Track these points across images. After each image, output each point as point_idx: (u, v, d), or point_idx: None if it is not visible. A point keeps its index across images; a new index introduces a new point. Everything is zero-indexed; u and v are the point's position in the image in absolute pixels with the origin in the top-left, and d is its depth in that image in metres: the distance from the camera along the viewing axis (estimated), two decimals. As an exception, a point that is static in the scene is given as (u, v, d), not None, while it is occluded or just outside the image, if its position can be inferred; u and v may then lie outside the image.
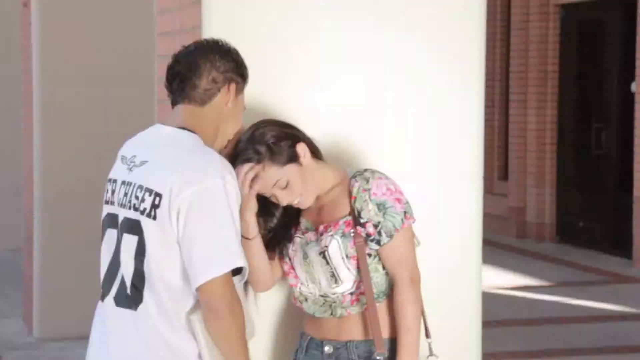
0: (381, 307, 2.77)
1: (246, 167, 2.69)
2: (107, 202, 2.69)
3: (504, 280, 8.97)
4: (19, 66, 7.27)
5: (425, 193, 3.02)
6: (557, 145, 10.85)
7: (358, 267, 2.73)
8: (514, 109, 11.15)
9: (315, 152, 2.79)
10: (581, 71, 10.75)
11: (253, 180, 2.69)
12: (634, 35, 9.51)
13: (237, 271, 2.58)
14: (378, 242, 2.72)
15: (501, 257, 10.05)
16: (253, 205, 2.72)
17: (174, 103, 2.70)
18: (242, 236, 2.65)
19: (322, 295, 2.79)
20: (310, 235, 2.79)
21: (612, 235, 10.13)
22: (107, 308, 2.66)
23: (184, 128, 2.63)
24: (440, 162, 3.16)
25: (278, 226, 2.82)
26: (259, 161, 2.69)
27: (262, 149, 2.69)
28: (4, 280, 8.61)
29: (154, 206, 2.52)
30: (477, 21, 3.17)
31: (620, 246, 9.96)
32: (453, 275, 3.16)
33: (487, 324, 7.18)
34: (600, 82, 10.33)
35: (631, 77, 9.71)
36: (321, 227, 2.77)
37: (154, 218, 2.53)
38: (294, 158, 2.72)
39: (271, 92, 2.99)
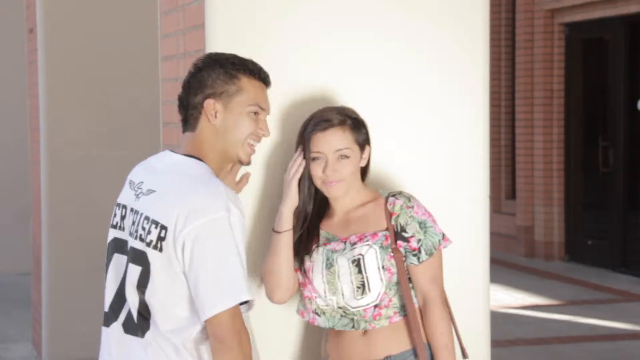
0: (403, 322, 2.82)
1: (297, 157, 2.83)
2: (114, 227, 2.70)
3: (513, 299, 8.94)
4: (26, 92, 7.31)
5: (432, 213, 3.01)
6: (564, 163, 10.84)
7: (389, 280, 2.79)
8: (520, 128, 11.15)
9: (365, 169, 2.92)
10: (587, 89, 10.77)
11: (297, 171, 2.82)
12: (639, 53, 9.52)
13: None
14: (418, 259, 2.81)
15: (510, 276, 10.03)
16: (293, 197, 2.83)
17: (183, 130, 2.75)
18: (273, 229, 2.80)
19: (340, 307, 2.81)
20: (335, 245, 2.82)
21: (620, 253, 10.11)
22: (114, 334, 2.66)
23: (191, 156, 2.65)
24: (447, 182, 3.16)
25: (298, 235, 2.86)
26: (341, 122, 2.80)
27: (349, 119, 2.82)
28: (14, 304, 8.62)
29: (160, 238, 2.53)
30: (481, 41, 3.18)
31: (629, 264, 9.93)
32: (461, 295, 3.14)
33: (496, 343, 7.22)
34: (606, 100, 10.34)
35: (637, 95, 9.72)
36: (353, 237, 2.81)
37: (160, 250, 2.54)
38: (362, 147, 2.85)
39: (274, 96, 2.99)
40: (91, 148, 6.64)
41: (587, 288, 9.45)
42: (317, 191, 2.88)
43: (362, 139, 2.85)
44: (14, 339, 7.45)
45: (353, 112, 2.87)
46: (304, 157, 2.84)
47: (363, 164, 2.88)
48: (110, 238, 2.71)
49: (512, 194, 11.69)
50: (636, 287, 9.42)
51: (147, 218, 2.57)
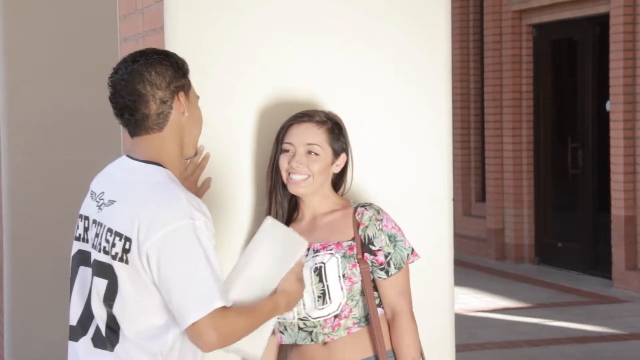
0: (363, 331, 2.80)
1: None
2: (78, 239, 2.62)
3: (483, 302, 8.92)
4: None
5: (395, 216, 2.97)
6: (534, 165, 10.84)
7: (350, 289, 2.77)
8: (489, 130, 11.15)
9: (339, 178, 2.89)
10: (556, 91, 10.77)
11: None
12: (607, 54, 9.53)
13: None
14: (387, 272, 2.79)
15: (480, 279, 10.01)
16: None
17: (131, 134, 2.61)
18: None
19: (300, 319, 2.78)
20: None
21: (591, 256, 10.11)
22: (83, 348, 2.58)
23: (149, 162, 2.55)
24: (410, 185, 3.15)
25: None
26: (320, 122, 2.80)
27: (330, 121, 2.82)
28: (-24, 313, 8.48)
29: (125, 250, 2.46)
30: (443, 43, 3.16)
31: (600, 266, 9.93)
32: (425, 299, 3.12)
33: (465, 346, 7.20)
34: (575, 101, 10.35)
35: (605, 96, 9.72)
36: (317, 245, 2.79)
37: (127, 262, 2.46)
38: (336, 154, 2.83)
39: (237, 101, 2.96)
40: (53, 152, 6.52)
41: (558, 290, 9.45)
42: (290, 198, 2.86)
43: (338, 146, 2.83)
44: (-23, 348, 7.32)
45: (337, 118, 2.87)
46: (276, 150, 2.83)
47: (335, 170, 2.85)
48: (74, 250, 2.63)
49: (482, 197, 11.68)
50: (606, 289, 9.42)
51: (109, 230, 2.49)
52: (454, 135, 11.92)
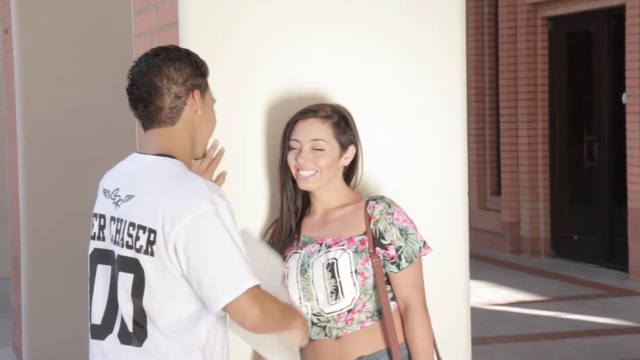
0: (376, 325, 2.81)
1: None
2: (95, 237, 2.63)
3: (498, 296, 8.91)
4: (2, 92, 7.22)
5: (410, 211, 2.97)
6: (549, 158, 10.81)
7: (362, 285, 2.77)
8: (504, 123, 11.12)
9: (350, 170, 2.88)
10: (571, 84, 10.73)
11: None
12: (623, 46, 9.49)
13: None
14: (398, 266, 2.79)
15: (496, 273, 10.00)
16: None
17: (144, 127, 2.64)
18: None
19: (314, 314, 2.79)
20: (311, 248, 2.80)
21: (607, 248, 10.08)
22: (109, 347, 2.59)
23: (162, 154, 2.58)
24: (425, 179, 3.15)
25: (279, 240, 2.84)
26: (325, 116, 2.78)
27: (336, 115, 2.80)
28: (-6, 309, 8.55)
29: (150, 242, 2.48)
30: (457, 36, 3.15)
31: (616, 259, 9.90)
32: (441, 293, 3.12)
33: (481, 339, 7.19)
34: (591, 94, 10.31)
35: (621, 88, 9.68)
36: (329, 240, 2.79)
37: (152, 254, 2.48)
38: (344, 147, 2.81)
39: (249, 95, 2.97)
40: (69, 149, 6.55)
41: (573, 284, 9.42)
42: (302, 193, 2.86)
43: (345, 139, 2.82)
44: (-5, 343, 7.38)
45: (345, 111, 2.86)
46: (283, 146, 2.84)
47: (345, 163, 2.84)
48: (91, 250, 2.64)
49: (497, 190, 11.65)
50: (622, 282, 9.40)
51: (132, 224, 2.51)
52: (469, 129, 11.88)
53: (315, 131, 2.78)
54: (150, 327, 2.51)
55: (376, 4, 3.08)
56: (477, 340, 7.18)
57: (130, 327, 2.53)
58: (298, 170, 2.79)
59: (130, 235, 2.51)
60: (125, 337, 2.55)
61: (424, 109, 3.13)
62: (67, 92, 6.52)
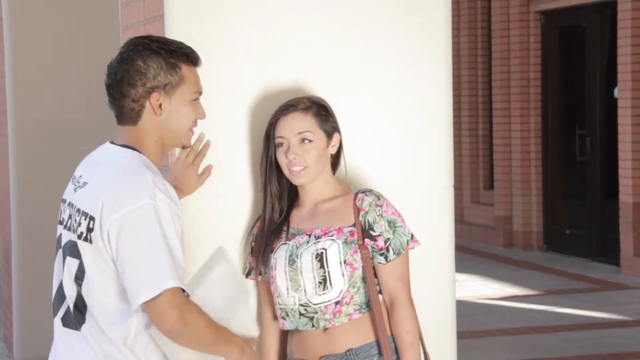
0: (365, 317, 2.81)
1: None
2: (60, 222, 2.67)
3: (490, 290, 8.93)
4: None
5: (395, 203, 2.97)
6: (542, 153, 10.83)
7: (351, 275, 2.77)
8: (497, 117, 11.13)
9: (336, 160, 2.89)
10: (563, 78, 10.75)
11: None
12: (615, 40, 9.50)
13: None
14: (386, 258, 2.79)
15: (488, 267, 10.02)
16: None
17: (117, 121, 2.67)
18: None
19: (302, 305, 2.79)
20: (299, 239, 2.80)
21: (599, 242, 10.10)
22: (56, 327, 2.65)
23: (127, 146, 2.61)
24: (409, 172, 3.14)
25: (264, 234, 2.83)
26: (305, 108, 2.79)
27: (315, 105, 2.81)
28: (-14, 302, 8.53)
29: (89, 230, 2.51)
30: (442, 28, 3.14)
31: (607, 253, 9.92)
32: (426, 287, 3.12)
33: (472, 333, 7.21)
34: (583, 88, 10.32)
35: (613, 83, 9.70)
36: (318, 231, 2.79)
37: (90, 242, 2.52)
38: (329, 135, 2.82)
39: (233, 87, 2.97)
40: (60, 143, 6.55)
41: (566, 278, 9.44)
42: (288, 189, 2.86)
43: (329, 127, 2.83)
44: (-14, 336, 7.38)
45: (322, 100, 2.86)
46: (267, 145, 2.83)
47: (332, 151, 2.85)
48: (57, 234, 2.68)
49: (490, 184, 11.67)
50: (614, 275, 9.42)
51: (78, 210, 2.56)
52: (461, 123, 11.91)
53: (299, 124, 2.78)
54: (87, 314, 2.54)
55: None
56: (468, 334, 7.19)
57: (72, 312, 2.57)
58: (290, 167, 2.79)
59: (75, 221, 2.55)
60: (67, 320, 2.59)
61: (409, 102, 3.12)
62: (58, 85, 6.51)
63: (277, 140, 2.80)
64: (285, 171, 2.81)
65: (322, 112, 2.81)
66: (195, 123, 2.70)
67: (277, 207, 2.85)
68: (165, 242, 2.47)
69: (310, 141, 2.78)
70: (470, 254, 10.75)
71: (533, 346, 6.97)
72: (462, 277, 9.42)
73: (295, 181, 2.81)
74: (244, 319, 2.74)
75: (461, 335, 7.05)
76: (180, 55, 2.63)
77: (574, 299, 8.44)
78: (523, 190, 10.86)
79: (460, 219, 11.89)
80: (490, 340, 7.13)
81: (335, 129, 2.85)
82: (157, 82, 2.60)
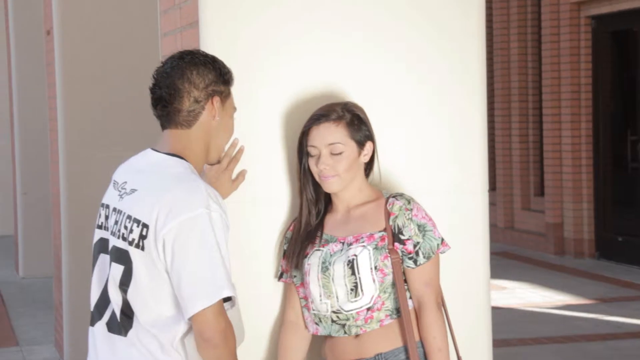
0: (395, 323, 2.82)
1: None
2: (99, 227, 2.70)
3: (540, 297, 8.85)
4: (45, 93, 7.33)
5: (430, 207, 2.97)
6: (593, 159, 10.70)
7: (382, 281, 2.78)
8: (547, 123, 11.03)
9: (369, 165, 2.90)
10: (615, 83, 10.62)
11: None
12: (668, 45, 9.37)
13: (227, 298, 2.59)
14: (415, 262, 2.80)
15: (538, 274, 9.93)
16: None
17: (162, 126, 2.70)
18: None
19: (334, 312, 2.81)
20: (333, 247, 2.82)
21: (652, 250, 9.97)
22: (98, 333, 2.67)
23: (173, 154, 2.63)
24: (445, 177, 3.14)
25: (299, 238, 2.86)
26: (338, 117, 2.79)
27: (348, 114, 2.81)
28: (40, 307, 8.67)
29: (142, 237, 2.54)
30: (476, 33, 3.14)
31: (661, 261, 9.79)
32: (460, 293, 3.11)
33: (520, 341, 7.14)
34: (635, 93, 10.19)
35: (666, 88, 9.57)
36: (350, 238, 2.82)
37: (142, 249, 2.54)
38: (361, 145, 2.82)
39: (266, 94, 2.99)
40: (110, 148, 6.63)
41: (617, 285, 9.33)
42: (323, 194, 2.89)
43: (361, 136, 2.83)
44: (39, 341, 7.50)
45: (356, 108, 2.86)
46: (300, 152, 2.85)
47: (365, 160, 2.86)
48: (96, 239, 2.71)
49: (540, 191, 11.56)
50: (667, 283, 9.29)
51: (129, 217, 2.57)
52: (512, 129, 11.82)
53: (330, 135, 2.79)
54: (134, 320, 2.57)
55: (400, 4, 3.09)
56: (516, 342, 7.14)
57: (118, 317, 2.59)
58: (321, 176, 2.82)
59: (125, 228, 2.56)
60: (113, 326, 2.61)
61: (444, 107, 3.13)
62: (107, 92, 6.60)
63: (309, 150, 2.82)
64: (316, 178, 2.84)
65: (354, 122, 2.82)
66: (229, 139, 2.78)
67: (314, 211, 2.88)
68: (219, 250, 2.51)
69: (340, 153, 2.80)
70: (521, 261, 10.66)
71: (582, 354, 6.89)
72: (511, 284, 9.35)
73: (327, 189, 2.84)
74: None
75: (509, 342, 7.05)
76: (228, 72, 2.70)
77: (625, 307, 8.33)
78: (574, 197, 10.74)
79: (510, 226, 11.80)
80: (538, 348, 7.07)
81: (368, 137, 2.85)
82: (217, 87, 2.67)
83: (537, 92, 11.54)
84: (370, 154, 2.87)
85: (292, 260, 2.86)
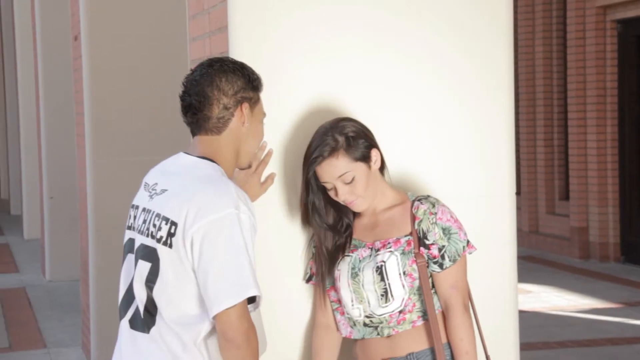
0: (427, 324, 2.84)
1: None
2: (129, 228, 2.74)
3: (565, 301, 8.82)
4: (72, 98, 7.38)
5: (457, 211, 2.99)
6: (619, 163, 10.66)
7: (411, 286, 2.80)
8: (572, 127, 11.00)
9: (383, 166, 2.89)
10: (640, 87, 10.58)
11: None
12: (694, 49, 9.32)
13: (251, 299, 2.61)
14: (441, 266, 2.81)
15: (563, 278, 9.89)
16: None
17: (192, 133, 2.74)
18: None
19: (367, 316, 2.83)
20: (362, 252, 2.84)
21: (678, 254, 9.91)
22: (123, 330, 2.71)
23: (204, 157, 2.68)
24: (472, 180, 3.15)
25: (331, 247, 2.88)
26: (332, 151, 2.77)
27: (341, 138, 2.79)
28: (67, 310, 8.73)
29: (170, 234, 2.57)
30: (504, 38, 3.15)
31: (687, 265, 9.73)
32: (487, 296, 3.12)
33: (545, 344, 7.13)
34: (660, 97, 10.15)
35: (692, 92, 9.52)
36: (377, 243, 2.83)
37: (170, 246, 2.57)
38: (366, 159, 2.81)
39: (292, 98, 3.01)
40: (137, 153, 6.68)
41: (643, 289, 9.29)
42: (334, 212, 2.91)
43: (362, 152, 2.81)
44: (66, 343, 7.54)
45: (345, 125, 2.83)
46: (307, 189, 2.87)
47: (376, 167, 2.86)
48: (125, 239, 2.75)
49: (565, 195, 11.52)
50: (693, 288, 9.23)
51: (157, 215, 2.61)
52: (537, 133, 11.79)
53: (335, 169, 2.80)
54: (158, 317, 2.59)
55: (427, 8, 3.10)
56: (541, 345, 7.12)
57: (142, 314, 2.62)
58: (345, 202, 2.84)
59: (154, 226, 2.60)
60: (136, 323, 2.64)
61: (472, 112, 3.14)
62: (135, 98, 6.65)
63: (324, 185, 2.84)
64: (343, 203, 2.85)
65: (350, 143, 2.80)
66: (259, 144, 2.80)
67: (341, 228, 2.90)
68: (246, 251, 2.54)
69: (351, 180, 2.80)
70: (545, 265, 10.63)
71: (608, 358, 6.87)
72: (536, 288, 9.33)
73: (356, 210, 2.85)
74: None
75: (534, 346, 7.04)
76: (257, 78, 2.73)
77: (651, 311, 8.31)
78: (599, 201, 10.70)
79: (535, 230, 11.77)
80: (563, 352, 7.05)
81: (369, 147, 2.83)
82: (247, 93, 2.70)
83: (562, 96, 11.51)
84: (379, 159, 2.86)
85: (323, 266, 2.87)
